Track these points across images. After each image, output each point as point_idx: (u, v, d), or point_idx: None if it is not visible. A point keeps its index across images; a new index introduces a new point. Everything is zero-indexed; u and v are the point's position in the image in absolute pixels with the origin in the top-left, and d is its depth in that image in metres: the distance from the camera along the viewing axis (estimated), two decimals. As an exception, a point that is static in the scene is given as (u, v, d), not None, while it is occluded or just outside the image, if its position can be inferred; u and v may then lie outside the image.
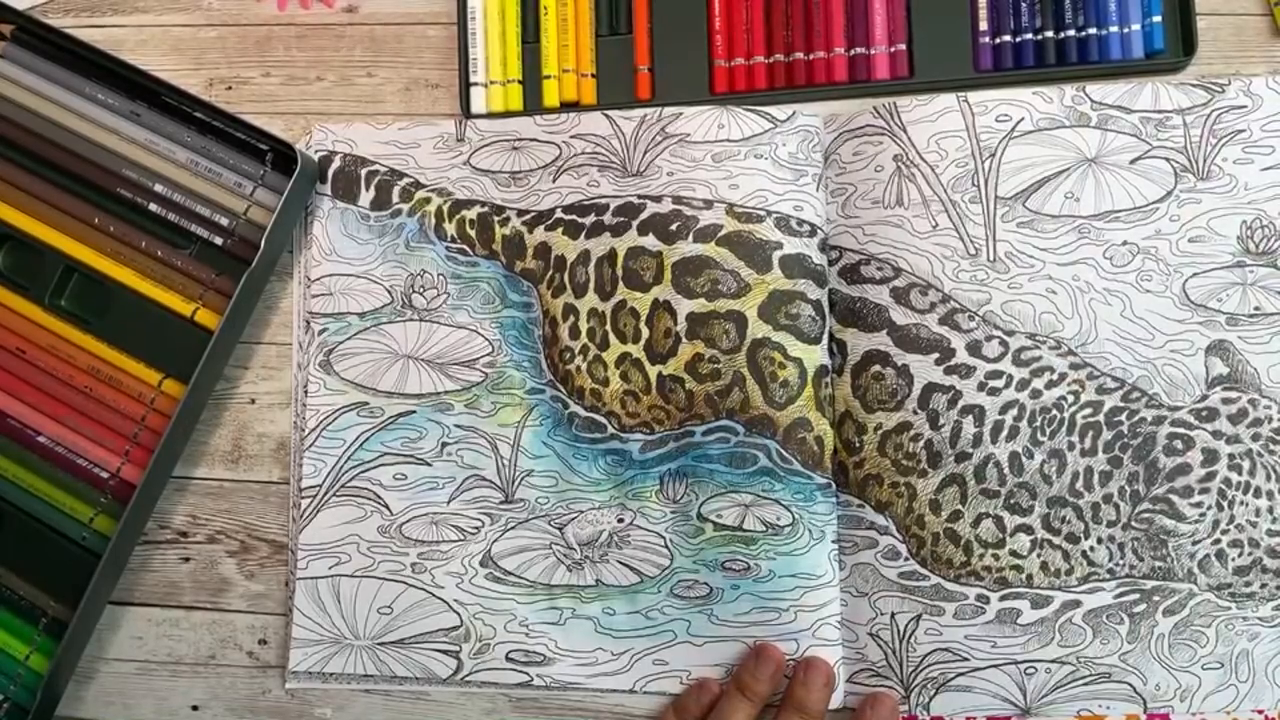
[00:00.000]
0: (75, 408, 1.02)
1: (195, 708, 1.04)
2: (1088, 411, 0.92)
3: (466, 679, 0.99)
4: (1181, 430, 0.91)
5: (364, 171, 1.04)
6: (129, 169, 1.03)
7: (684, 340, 0.96)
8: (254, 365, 1.06)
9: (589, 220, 1.00)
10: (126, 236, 1.03)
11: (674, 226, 0.97)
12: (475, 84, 1.04)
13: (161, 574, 1.05)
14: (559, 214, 1.01)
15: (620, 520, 0.98)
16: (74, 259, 1.03)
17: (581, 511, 0.99)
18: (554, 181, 1.02)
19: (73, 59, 1.04)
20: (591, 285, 0.99)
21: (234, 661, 1.04)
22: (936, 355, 0.94)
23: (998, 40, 1.00)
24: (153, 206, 1.02)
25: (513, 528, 1.00)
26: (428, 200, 1.03)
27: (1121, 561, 0.91)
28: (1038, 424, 0.93)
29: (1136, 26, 0.98)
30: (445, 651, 0.99)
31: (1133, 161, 0.95)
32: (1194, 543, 0.90)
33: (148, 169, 1.03)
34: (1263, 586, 0.90)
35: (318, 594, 1.01)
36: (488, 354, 1.01)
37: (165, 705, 1.04)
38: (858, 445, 0.95)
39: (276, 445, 1.05)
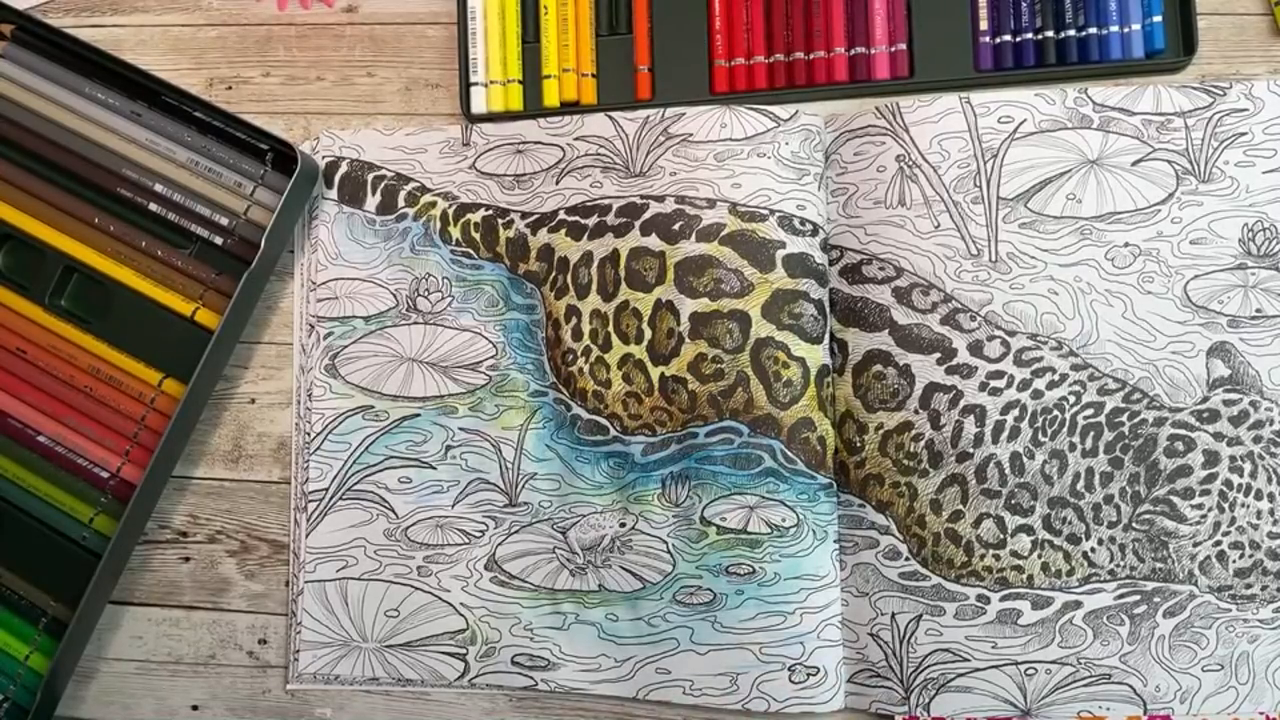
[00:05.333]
0: (75, 407, 1.02)
1: (195, 707, 1.04)
2: (1089, 412, 0.93)
3: (474, 681, 0.99)
4: (1183, 432, 0.92)
5: (370, 176, 1.04)
6: (129, 169, 1.02)
7: (687, 340, 0.96)
8: (254, 365, 1.06)
9: (592, 221, 1.00)
10: (126, 236, 1.03)
11: (677, 226, 0.97)
12: (475, 84, 1.04)
13: (161, 574, 1.05)
14: (562, 215, 1.01)
15: (622, 525, 0.98)
16: (74, 259, 1.03)
17: (584, 515, 0.99)
18: (557, 183, 1.02)
19: (73, 59, 1.04)
20: (594, 286, 0.99)
21: (234, 661, 1.04)
22: (938, 355, 0.94)
23: (998, 40, 1.00)
24: (153, 206, 1.02)
25: (516, 531, 1.00)
26: (433, 204, 1.03)
27: (1122, 563, 0.92)
28: (1039, 424, 0.93)
29: (1137, 26, 0.98)
30: (452, 654, 1.00)
31: (1134, 163, 0.95)
32: (1195, 544, 0.91)
33: (148, 169, 1.02)
34: (1263, 589, 0.90)
35: (325, 597, 1.01)
36: (491, 357, 1.01)
37: (165, 705, 1.04)
38: (859, 445, 0.95)
39: (277, 445, 1.05)
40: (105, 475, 1.01)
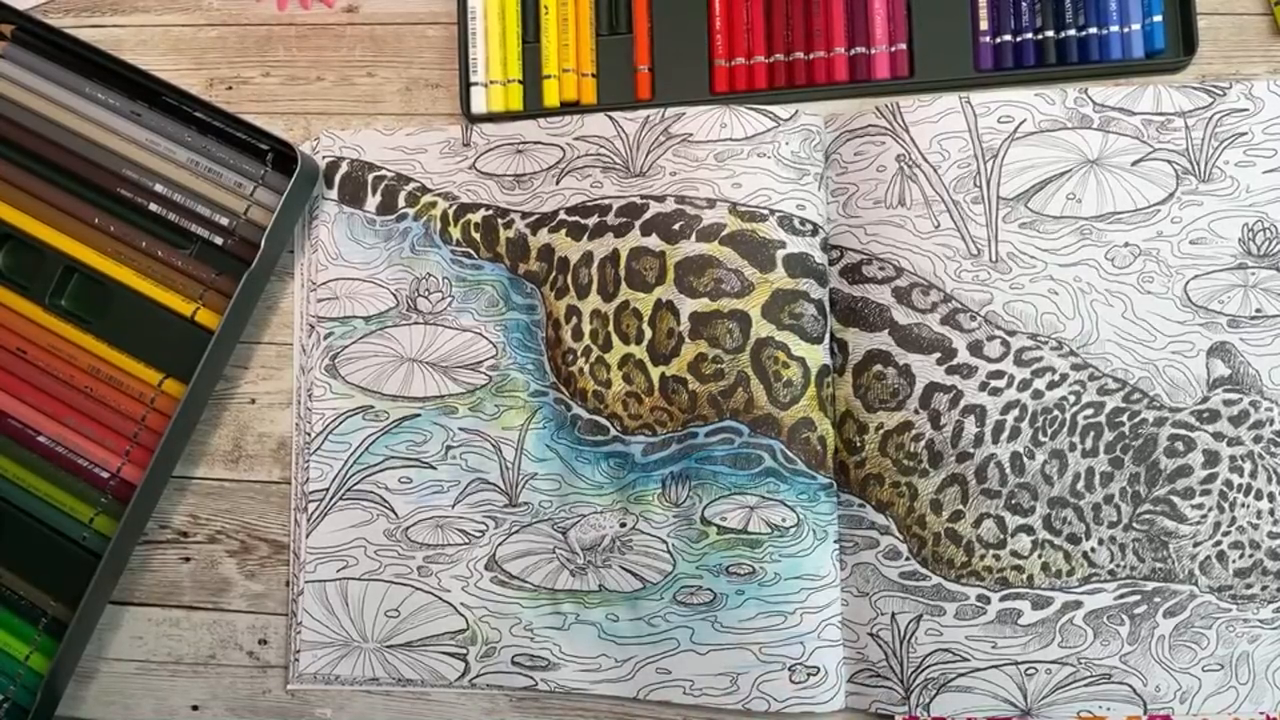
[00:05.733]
0: (76, 408, 1.02)
1: (195, 707, 1.04)
2: (1089, 412, 0.93)
3: (474, 681, 0.99)
4: (1183, 432, 0.92)
5: (371, 176, 1.04)
6: (129, 169, 1.02)
7: (687, 340, 0.96)
8: (254, 365, 1.06)
9: (592, 221, 1.00)
10: (127, 236, 1.03)
11: (677, 226, 0.97)
12: (475, 84, 1.04)
13: (161, 574, 1.05)
14: (562, 215, 1.01)
15: (623, 525, 0.98)
16: (74, 259, 1.03)
17: (584, 515, 0.99)
18: (558, 183, 1.02)
19: (73, 59, 1.04)
20: (594, 286, 0.99)
21: (234, 661, 1.04)
22: (938, 355, 0.94)
23: (998, 40, 1.00)
24: (153, 206, 1.02)
25: (516, 531, 1.00)
26: (433, 204, 1.03)
27: (1122, 562, 0.92)
28: (1039, 424, 0.93)
29: (1137, 26, 0.98)
30: (453, 654, 1.00)
31: (1134, 163, 0.95)
32: (1195, 544, 0.91)
33: (148, 169, 1.02)
34: (1263, 589, 0.90)
35: (325, 597, 1.01)
36: (491, 357, 1.01)
37: (165, 705, 1.04)
38: (859, 445, 0.95)
39: (277, 445, 1.05)
40: (105, 475, 1.01)
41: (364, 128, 1.06)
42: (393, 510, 1.01)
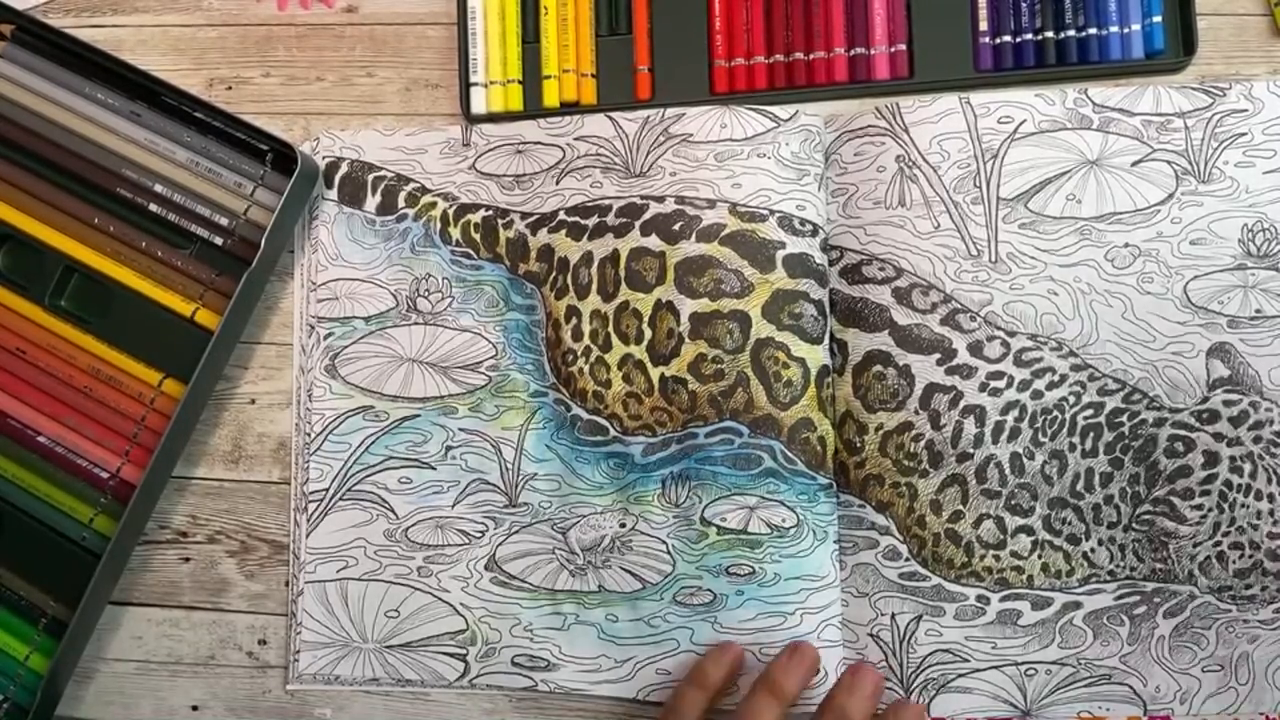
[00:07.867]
0: (75, 408, 1.02)
1: (195, 708, 1.04)
2: (1089, 413, 0.92)
3: (474, 681, 0.99)
4: (1182, 432, 0.91)
5: (370, 177, 1.04)
6: (129, 169, 1.02)
7: (687, 340, 0.96)
8: (254, 365, 1.06)
9: (592, 221, 1.00)
10: (126, 236, 1.03)
11: (677, 226, 0.97)
12: (475, 84, 1.04)
13: (161, 574, 1.05)
14: (562, 216, 1.01)
15: (622, 525, 0.98)
16: (74, 259, 1.03)
17: (584, 516, 0.99)
18: (557, 184, 1.02)
19: (73, 59, 1.04)
20: (594, 286, 0.99)
21: (234, 661, 1.04)
22: (938, 355, 0.94)
23: (998, 40, 0.99)
24: (153, 206, 1.02)
25: (516, 532, 1.00)
26: (433, 205, 1.03)
27: (1122, 563, 0.92)
28: (1039, 425, 0.93)
29: (1137, 26, 0.98)
30: (452, 655, 1.00)
31: (1134, 164, 0.95)
32: (1195, 545, 0.91)
33: (148, 169, 1.02)
34: (1263, 589, 0.90)
35: (325, 597, 1.01)
36: (491, 357, 1.01)
37: (165, 705, 1.04)
38: (859, 445, 0.95)
39: (277, 445, 1.05)
40: (105, 475, 1.01)
41: (364, 128, 1.06)
42: (392, 510, 1.01)
